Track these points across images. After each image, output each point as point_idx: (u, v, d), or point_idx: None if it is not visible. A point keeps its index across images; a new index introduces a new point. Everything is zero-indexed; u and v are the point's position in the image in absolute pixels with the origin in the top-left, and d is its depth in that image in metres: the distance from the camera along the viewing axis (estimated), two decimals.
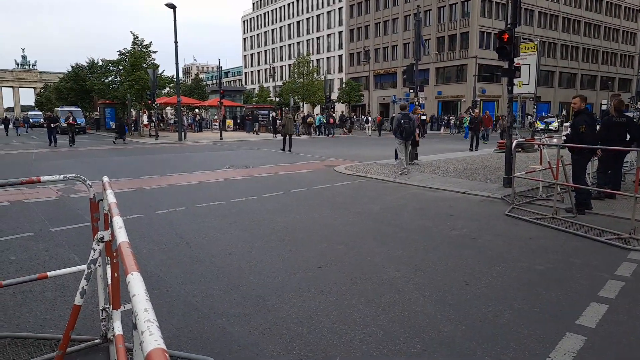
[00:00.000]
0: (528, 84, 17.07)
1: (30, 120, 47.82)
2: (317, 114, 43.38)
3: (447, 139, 31.41)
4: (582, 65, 63.90)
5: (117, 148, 22.64)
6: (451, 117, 44.43)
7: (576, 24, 62.30)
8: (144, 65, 31.84)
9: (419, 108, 16.46)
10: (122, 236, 1.63)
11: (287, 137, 20.05)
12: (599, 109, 51.34)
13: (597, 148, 7.20)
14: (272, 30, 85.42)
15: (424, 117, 28.34)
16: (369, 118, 40.07)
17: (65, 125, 25.34)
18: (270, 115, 39.49)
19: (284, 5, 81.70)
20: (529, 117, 37.78)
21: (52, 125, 23.68)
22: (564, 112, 51.82)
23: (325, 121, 35.91)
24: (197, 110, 49.13)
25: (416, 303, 3.85)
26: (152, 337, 0.86)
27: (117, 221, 1.85)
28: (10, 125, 41.45)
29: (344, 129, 39.28)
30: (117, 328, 2.15)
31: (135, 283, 1.11)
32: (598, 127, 8.22)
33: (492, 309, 3.75)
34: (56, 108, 43.93)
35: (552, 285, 4.25)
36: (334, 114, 37.54)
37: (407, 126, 11.93)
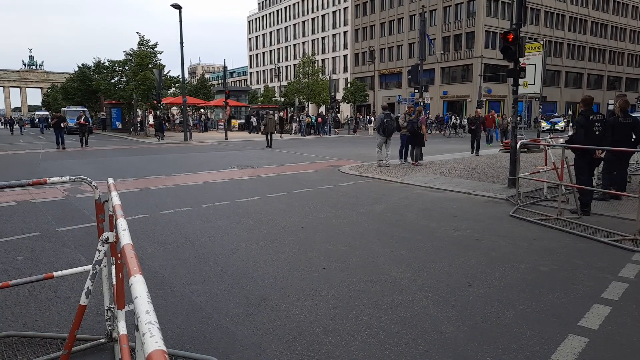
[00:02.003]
0: (534, 84, 16.98)
1: (48, 119, 46.77)
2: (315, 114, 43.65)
3: (452, 139, 31.36)
4: (588, 64, 63.52)
5: (123, 148, 22.77)
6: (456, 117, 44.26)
7: (583, 24, 61.93)
8: (150, 65, 32.02)
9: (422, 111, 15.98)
10: (125, 238, 1.65)
11: (269, 135, 22.56)
12: (605, 109, 51.03)
13: (597, 149, 7.15)
14: (278, 30, 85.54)
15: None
16: (372, 118, 40.09)
17: (75, 125, 23.83)
18: (277, 115, 39.95)
19: (289, 6, 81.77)
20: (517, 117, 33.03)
21: (62, 125, 22.44)
22: (570, 112, 51.59)
23: (315, 121, 36.52)
24: (202, 110, 49.28)
25: (419, 304, 3.87)
26: (152, 339, 0.88)
27: (121, 223, 1.88)
28: (15, 125, 41.80)
29: (336, 129, 39.58)
30: (122, 328, 2.18)
31: (138, 285, 1.14)
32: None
33: (495, 310, 3.75)
34: (62, 108, 44.23)
35: (556, 287, 4.25)
36: (324, 115, 38.38)
37: (389, 124, 13.28)
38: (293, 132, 36.97)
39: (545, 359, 3.01)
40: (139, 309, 1.01)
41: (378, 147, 13.79)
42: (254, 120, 39.61)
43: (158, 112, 35.07)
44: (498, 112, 47.04)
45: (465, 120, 32.10)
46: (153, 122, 36.38)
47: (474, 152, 18.05)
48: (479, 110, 20.83)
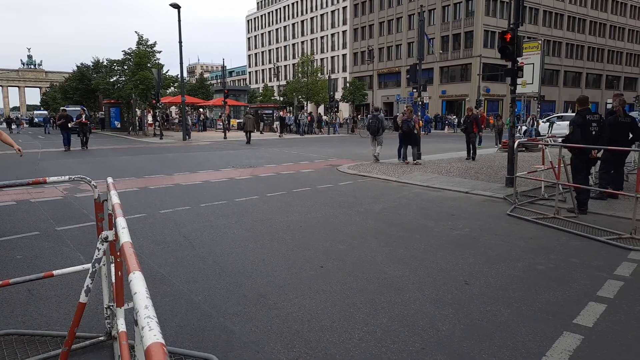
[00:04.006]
0: (532, 83, 17.00)
1: (51, 120, 45.00)
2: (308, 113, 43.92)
3: (452, 138, 31.40)
4: (587, 64, 63.62)
5: (122, 147, 22.77)
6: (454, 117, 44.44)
7: (581, 23, 62.03)
8: (149, 65, 32.01)
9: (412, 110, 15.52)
10: (125, 237, 1.68)
11: (248, 133, 25.24)
12: (604, 108, 51.13)
13: (594, 148, 7.18)
14: (277, 29, 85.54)
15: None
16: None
17: (75, 124, 21.21)
18: (278, 114, 40.24)
19: (288, 5, 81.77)
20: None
21: (69, 125, 20.36)
22: (570, 111, 51.66)
23: (307, 121, 36.81)
24: (201, 110, 49.31)
25: (415, 302, 3.90)
26: (151, 332, 0.91)
27: (121, 222, 1.90)
28: (13, 125, 41.79)
29: (320, 129, 39.72)
30: (121, 325, 2.20)
31: (137, 282, 1.17)
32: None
33: (491, 308, 3.79)
34: (61, 107, 44.06)
35: (552, 285, 4.29)
36: (311, 114, 39.48)
37: (371, 124, 15.13)
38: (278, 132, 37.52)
39: (540, 356, 3.04)
40: (138, 304, 1.04)
41: (371, 145, 15.32)
42: (225, 118, 39.89)
43: (185, 114, 35.12)
44: (497, 111, 47.22)
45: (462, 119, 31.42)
46: (152, 122, 36.44)
47: (469, 155, 15.52)
48: (470, 107, 17.84)
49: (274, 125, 39.41)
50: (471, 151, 15.51)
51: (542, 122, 25.74)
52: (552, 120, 24.76)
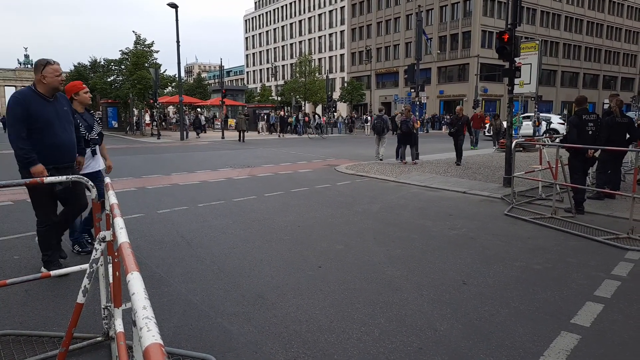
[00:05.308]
0: (529, 83, 17.08)
1: None
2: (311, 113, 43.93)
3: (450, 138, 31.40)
4: (584, 64, 63.82)
5: (120, 147, 22.73)
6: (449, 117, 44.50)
7: (578, 23, 62.23)
8: (146, 64, 31.95)
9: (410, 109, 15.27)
10: (122, 237, 1.68)
11: (241, 132, 27.21)
12: (601, 108, 51.31)
13: (591, 148, 7.20)
14: (274, 29, 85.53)
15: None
16: (368, 117, 40.15)
17: None
18: (264, 114, 40.45)
19: (286, 5, 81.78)
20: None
21: None
22: (565, 112, 51.82)
23: (301, 121, 36.99)
24: (199, 110, 49.26)
25: (414, 302, 3.90)
26: (149, 333, 0.91)
27: (119, 222, 1.90)
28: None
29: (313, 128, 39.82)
30: (119, 326, 2.20)
31: (135, 282, 1.16)
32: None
33: (489, 308, 3.79)
34: None
35: (549, 285, 4.30)
36: (308, 114, 39.58)
37: (376, 124, 15.70)
38: (263, 130, 38.22)
39: (537, 356, 3.05)
40: (137, 305, 1.03)
41: (375, 144, 15.85)
42: (202, 118, 39.58)
43: (195, 114, 35.29)
44: (494, 111, 47.31)
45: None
46: (149, 122, 36.38)
47: (459, 160, 14.14)
48: (460, 108, 16.03)
49: (260, 126, 39.61)
50: (461, 155, 14.26)
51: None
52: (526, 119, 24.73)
